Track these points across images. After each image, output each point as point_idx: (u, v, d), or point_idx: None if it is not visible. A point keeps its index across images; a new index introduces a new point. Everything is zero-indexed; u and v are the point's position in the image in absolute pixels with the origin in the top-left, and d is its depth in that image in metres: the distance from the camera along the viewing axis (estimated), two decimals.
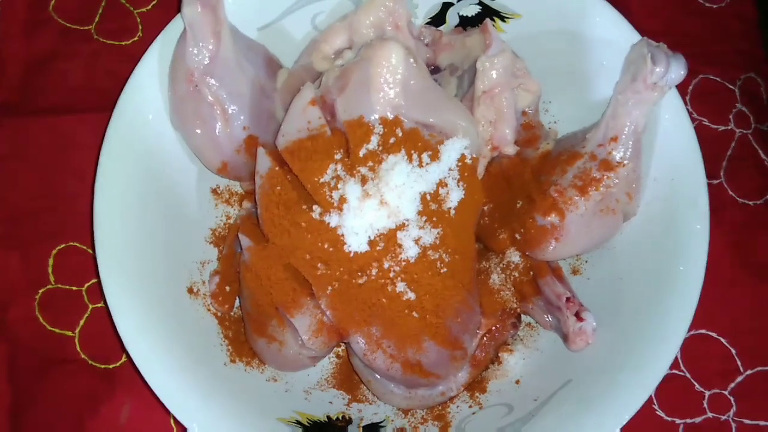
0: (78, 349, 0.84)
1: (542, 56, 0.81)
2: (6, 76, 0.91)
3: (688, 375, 0.84)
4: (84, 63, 0.92)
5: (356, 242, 0.68)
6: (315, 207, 0.69)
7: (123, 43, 0.93)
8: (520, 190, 0.77)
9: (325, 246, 0.68)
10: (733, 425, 0.84)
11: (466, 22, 0.84)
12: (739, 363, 0.85)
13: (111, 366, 0.84)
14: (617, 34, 0.78)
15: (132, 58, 0.90)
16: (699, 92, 0.91)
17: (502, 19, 0.82)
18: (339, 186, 0.68)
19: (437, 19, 0.84)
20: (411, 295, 0.69)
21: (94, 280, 0.86)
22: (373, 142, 0.68)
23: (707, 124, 0.91)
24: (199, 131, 0.76)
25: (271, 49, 0.81)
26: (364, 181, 0.68)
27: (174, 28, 0.77)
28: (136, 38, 0.93)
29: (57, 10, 0.93)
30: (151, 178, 0.77)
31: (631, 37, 0.77)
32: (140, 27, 0.94)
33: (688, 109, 0.77)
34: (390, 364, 0.71)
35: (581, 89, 0.82)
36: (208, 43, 0.74)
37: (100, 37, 0.93)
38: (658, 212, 0.76)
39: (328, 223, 0.68)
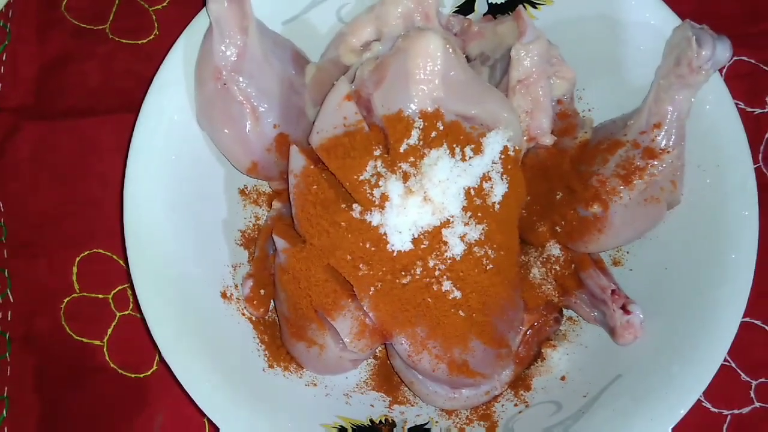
0: (107, 358, 0.82)
1: (575, 43, 0.78)
2: (19, 78, 0.89)
3: (733, 365, 0.82)
4: (100, 63, 0.89)
5: (399, 241, 0.65)
6: (355, 206, 0.66)
7: (139, 42, 0.90)
8: (559, 182, 0.75)
9: (367, 245, 0.66)
10: None
11: (495, 10, 0.81)
12: None
13: (142, 375, 0.82)
14: (655, 17, 0.76)
15: (149, 56, 0.88)
16: (734, 75, 0.89)
17: (533, 5, 0.80)
18: (380, 183, 0.66)
19: (466, 8, 0.82)
20: (457, 294, 0.67)
21: (120, 287, 0.84)
22: (414, 137, 0.66)
23: (743, 107, 0.88)
24: (227, 131, 0.74)
25: (296, 43, 0.79)
26: (405, 177, 0.66)
27: (197, 26, 0.75)
28: (152, 36, 0.90)
29: (69, 9, 0.91)
30: (179, 182, 0.75)
31: (669, 19, 0.75)
32: (156, 25, 0.91)
33: None
34: (436, 364, 0.69)
35: (616, 75, 0.80)
36: (235, 39, 0.72)
37: (116, 37, 0.90)
38: (704, 199, 0.73)
39: (370, 222, 0.66)
